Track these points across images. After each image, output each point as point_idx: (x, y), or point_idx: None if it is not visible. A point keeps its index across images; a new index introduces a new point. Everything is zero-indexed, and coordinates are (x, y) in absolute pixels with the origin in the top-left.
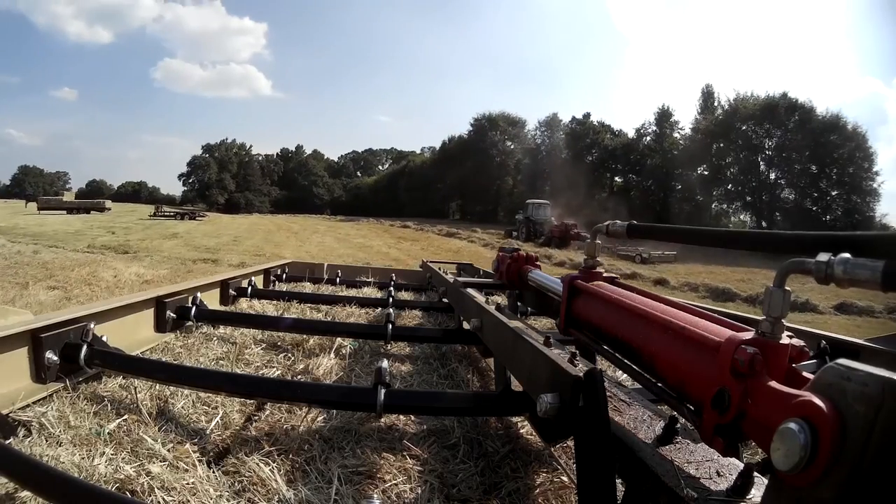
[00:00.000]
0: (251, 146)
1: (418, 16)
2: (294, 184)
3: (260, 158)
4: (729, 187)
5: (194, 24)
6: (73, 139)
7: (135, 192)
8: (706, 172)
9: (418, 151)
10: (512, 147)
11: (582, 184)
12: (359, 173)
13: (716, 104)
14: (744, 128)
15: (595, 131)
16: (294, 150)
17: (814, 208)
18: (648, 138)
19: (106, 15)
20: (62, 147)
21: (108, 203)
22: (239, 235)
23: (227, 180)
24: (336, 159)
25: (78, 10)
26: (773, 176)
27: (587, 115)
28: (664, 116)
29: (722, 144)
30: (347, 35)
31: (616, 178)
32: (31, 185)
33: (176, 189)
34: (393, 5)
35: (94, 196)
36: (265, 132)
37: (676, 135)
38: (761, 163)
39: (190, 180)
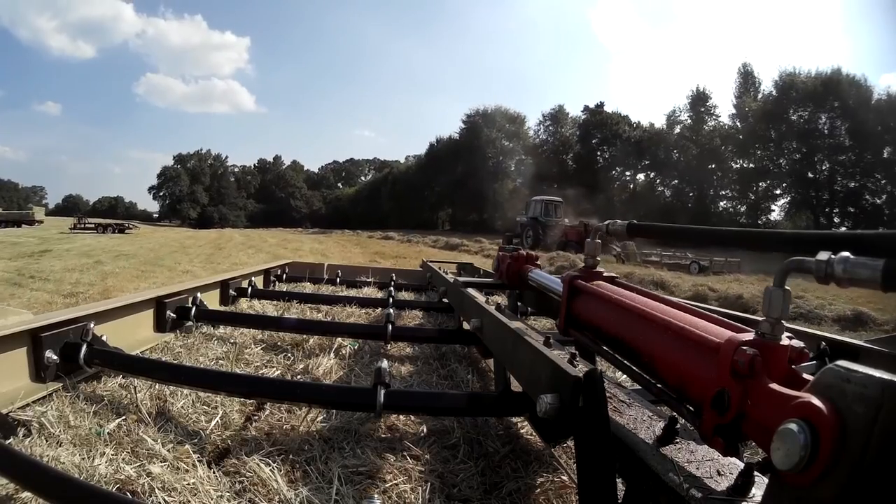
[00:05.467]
0: (227, 157)
1: (403, 31)
2: (271, 196)
3: (236, 170)
4: (785, 183)
5: (176, 39)
6: (57, 154)
7: (111, 208)
8: (751, 165)
9: (402, 161)
10: (511, 146)
11: (598, 184)
12: (340, 185)
13: (759, 85)
14: (800, 110)
15: (614, 122)
16: (272, 160)
17: (876, 200)
18: (680, 127)
19: (89, 30)
20: (46, 161)
21: (39, 216)
22: (129, 253)
23: (199, 193)
24: (316, 170)
25: (61, 25)
26: (828, 165)
27: (601, 105)
28: (699, 100)
29: (782, 128)
30: (331, 50)
31: (639, 176)
32: (5, 200)
33: (154, 205)
34: (378, 21)
35: (70, 212)
36: (248, 148)
37: (712, 123)
38: (822, 150)
39: (161, 193)
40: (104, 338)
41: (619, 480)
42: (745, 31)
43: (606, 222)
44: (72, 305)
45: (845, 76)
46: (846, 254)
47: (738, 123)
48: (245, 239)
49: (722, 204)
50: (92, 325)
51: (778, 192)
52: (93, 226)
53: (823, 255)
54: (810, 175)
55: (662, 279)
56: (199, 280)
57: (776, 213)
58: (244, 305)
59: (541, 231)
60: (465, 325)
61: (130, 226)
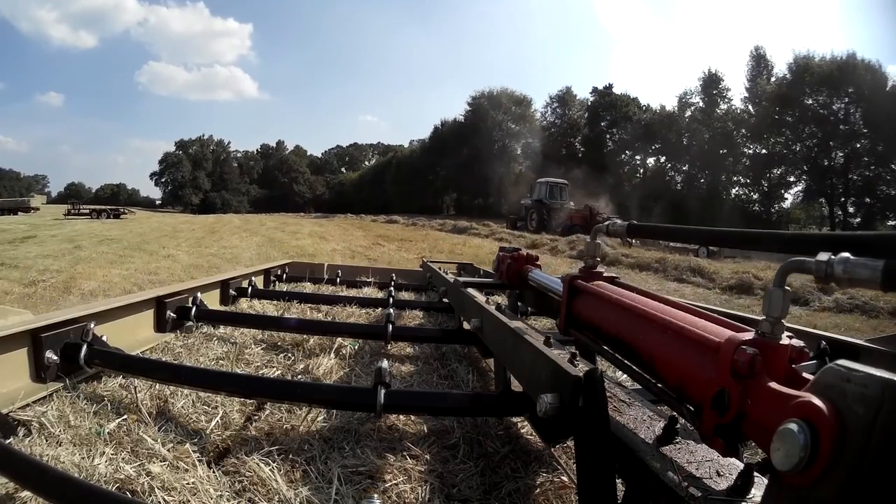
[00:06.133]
0: (229, 143)
1: (407, 18)
2: (274, 182)
3: (238, 156)
4: (798, 170)
5: (178, 27)
6: (59, 144)
7: (114, 195)
8: (763, 150)
9: (406, 145)
10: (517, 129)
11: (607, 167)
12: (343, 169)
13: (773, 69)
14: (815, 94)
15: (623, 103)
16: (275, 146)
17: (891, 192)
18: (693, 109)
19: (90, 20)
20: (49, 152)
21: (35, 203)
22: (115, 238)
23: (201, 179)
24: (319, 155)
25: (62, 15)
26: (843, 153)
27: (609, 87)
28: (711, 82)
29: (796, 113)
30: (334, 35)
31: (649, 160)
32: (7, 189)
33: (157, 191)
34: (381, 7)
35: (73, 199)
36: (251, 134)
37: (724, 106)
38: (837, 137)
39: (163, 179)
40: (104, 338)
41: (618, 480)
42: (748, 16)
43: (606, 223)
44: (30, 295)
45: (860, 61)
46: (846, 254)
47: (751, 108)
48: (243, 223)
49: (734, 191)
50: (92, 326)
51: (791, 179)
52: (87, 211)
53: (823, 256)
54: (825, 163)
55: (699, 265)
56: (199, 280)
57: (789, 201)
58: (244, 305)
59: (545, 214)
60: (466, 325)
61: (126, 211)
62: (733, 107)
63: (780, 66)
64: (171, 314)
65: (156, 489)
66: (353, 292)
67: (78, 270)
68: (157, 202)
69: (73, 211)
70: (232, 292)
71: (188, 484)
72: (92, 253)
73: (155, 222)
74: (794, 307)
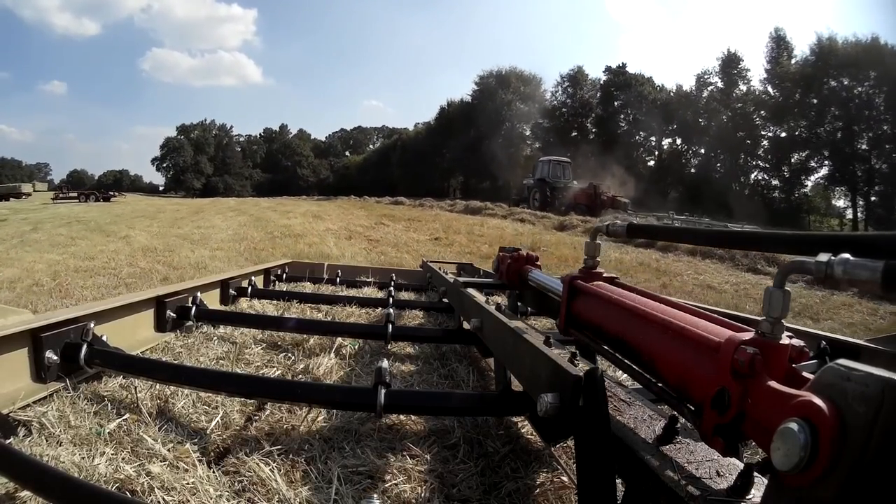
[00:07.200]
0: (231, 127)
1: (413, 3)
2: (277, 165)
3: (241, 140)
4: (818, 156)
5: (181, 13)
6: (63, 132)
7: (116, 181)
8: (783, 134)
9: (411, 129)
10: (526, 109)
11: (620, 148)
12: (348, 153)
13: (793, 51)
14: (840, 77)
15: (639, 82)
16: (278, 130)
17: None
18: (710, 89)
19: (93, 6)
20: (53, 140)
21: (27, 188)
22: (86, 219)
23: (203, 163)
24: (323, 139)
25: (64, 3)
26: (868, 136)
27: (623, 66)
28: (731, 62)
29: (821, 95)
30: (339, 20)
31: (665, 141)
32: (9, 178)
33: (160, 177)
34: None
35: (76, 186)
36: (255, 120)
37: (743, 87)
38: (861, 121)
39: (164, 165)
40: (104, 338)
41: (618, 480)
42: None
43: (607, 223)
44: None
45: (885, 45)
46: (846, 255)
47: (771, 89)
48: (237, 204)
49: (753, 175)
50: (92, 325)
51: (813, 164)
52: (75, 195)
53: (823, 257)
54: (848, 149)
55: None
56: (199, 280)
57: (809, 187)
58: (244, 305)
59: (548, 193)
60: (466, 325)
61: (115, 194)
62: (752, 88)
63: (800, 48)
64: (171, 314)
65: (156, 489)
66: (353, 292)
67: (9, 256)
68: (160, 188)
69: (60, 195)
70: (232, 292)
71: (188, 484)
72: (43, 236)
73: (143, 205)
74: (886, 304)
